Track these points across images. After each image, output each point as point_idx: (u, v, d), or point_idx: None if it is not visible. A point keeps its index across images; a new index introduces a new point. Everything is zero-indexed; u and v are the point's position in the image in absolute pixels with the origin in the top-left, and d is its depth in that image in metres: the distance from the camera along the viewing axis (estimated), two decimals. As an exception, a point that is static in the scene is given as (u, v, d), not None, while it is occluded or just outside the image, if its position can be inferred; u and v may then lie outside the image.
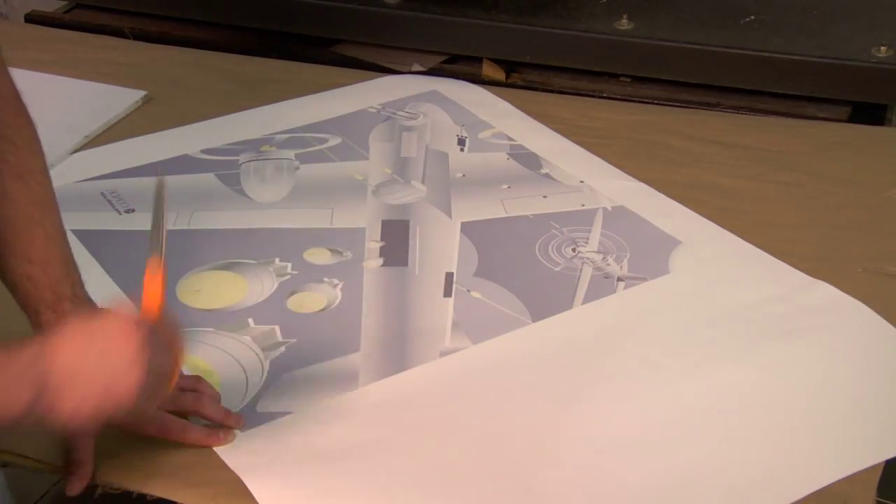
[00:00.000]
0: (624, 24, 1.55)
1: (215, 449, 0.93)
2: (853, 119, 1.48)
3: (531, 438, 0.95)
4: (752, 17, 1.56)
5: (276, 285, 1.15)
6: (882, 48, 1.45)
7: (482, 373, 1.03)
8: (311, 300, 1.13)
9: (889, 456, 0.93)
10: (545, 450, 0.94)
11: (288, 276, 1.16)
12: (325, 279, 1.15)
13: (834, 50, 1.48)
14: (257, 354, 1.05)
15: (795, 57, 1.48)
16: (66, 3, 1.84)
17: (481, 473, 0.92)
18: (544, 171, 1.35)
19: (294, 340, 1.07)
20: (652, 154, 1.39)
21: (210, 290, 1.14)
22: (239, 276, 1.16)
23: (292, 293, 1.13)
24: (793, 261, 1.17)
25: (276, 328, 1.09)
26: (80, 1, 1.82)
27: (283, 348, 1.06)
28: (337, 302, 1.12)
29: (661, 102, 1.53)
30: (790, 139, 1.42)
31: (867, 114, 1.49)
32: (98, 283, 1.11)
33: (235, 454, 0.93)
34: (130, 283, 1.12)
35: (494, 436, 0.95)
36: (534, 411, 0.98)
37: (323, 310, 1.11)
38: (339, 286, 1.14)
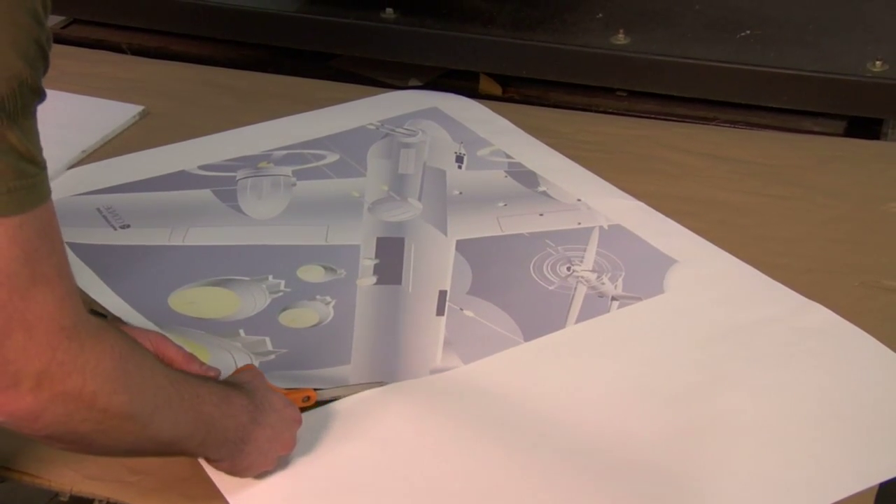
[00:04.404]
0: (620, 38, 1.55)
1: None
2: (849, 133, 1.48)
3: (521, 459, 0.95)
4: (748, 32, 1.56)
5: (268, 302, 1.15)
6: (877, 63, 1.45)
7: (472, 392, 1.02)
8: (302, 316, 1.13)
9: (884, 479, 0.93)
10: (534, 471, 0.93)
11: (281, 294, 1.16)
12: (318, 297, 1.15)
13: (829, 64, 1.48)
14: (249, 356, 1.06)
15: (791, 71, 1.48)
16: (63, 18, 1.84)
17: (468, 493, 0.91)
18: (542, 188, 1.35)
19: (285, 351, 1.07)
20: (648, 168, 1.39)
21: (202, 304, 1.14)
22: (232, 292, 1.16)
23: (284, 309, 1.14)
24: (789, 274, 1.17)
25: (267, 339, 1.09)
26: (78, 16, 1.83)
27: (273, 356, 1.06)
28: (329, 319, 1.12)
29: (658, 117, 1.53)
30: (786, 153, 1.42)
31: (863, 128, 1.49)
32: (99, 295, 1.12)
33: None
34: (131, 296, 1.13)
35: (482, 456, 0.95)
36: (524, 432, 0.98)
37: (314, 326, 1.11)
38: (332, 304, 1.14)
